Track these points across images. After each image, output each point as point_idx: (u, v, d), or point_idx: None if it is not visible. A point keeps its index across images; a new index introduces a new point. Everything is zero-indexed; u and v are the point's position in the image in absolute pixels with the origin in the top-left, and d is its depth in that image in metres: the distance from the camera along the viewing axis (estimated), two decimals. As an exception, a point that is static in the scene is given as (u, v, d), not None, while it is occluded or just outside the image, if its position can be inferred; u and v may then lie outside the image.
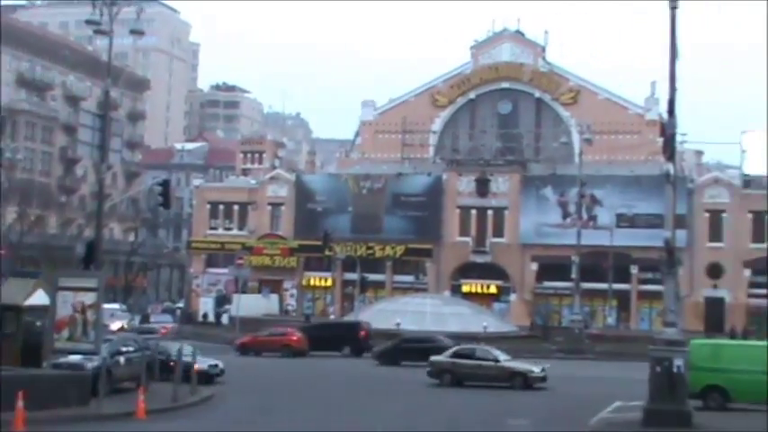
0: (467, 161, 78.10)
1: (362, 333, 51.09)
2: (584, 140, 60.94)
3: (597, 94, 77.76)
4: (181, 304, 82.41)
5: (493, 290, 75.26)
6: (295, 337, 49.24)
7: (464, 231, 75.63)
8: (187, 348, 31.65)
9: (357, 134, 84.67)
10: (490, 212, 75.48)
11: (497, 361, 34.38)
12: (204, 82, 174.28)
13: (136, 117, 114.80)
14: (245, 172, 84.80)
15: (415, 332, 51.41)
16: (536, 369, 34.25)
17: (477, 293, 74.42)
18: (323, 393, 30.99)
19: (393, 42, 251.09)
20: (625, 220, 69.96)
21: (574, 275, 58.56)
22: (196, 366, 29.44)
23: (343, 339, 50.34)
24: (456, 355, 35.25)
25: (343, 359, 47.70)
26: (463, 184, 76.12)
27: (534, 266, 73.94)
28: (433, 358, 35.65)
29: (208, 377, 32.05)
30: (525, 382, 33.42)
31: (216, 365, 33.50)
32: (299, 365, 43.15)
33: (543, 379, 33.72)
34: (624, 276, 69.34)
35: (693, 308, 68.12)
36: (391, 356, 44.52)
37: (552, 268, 70.87)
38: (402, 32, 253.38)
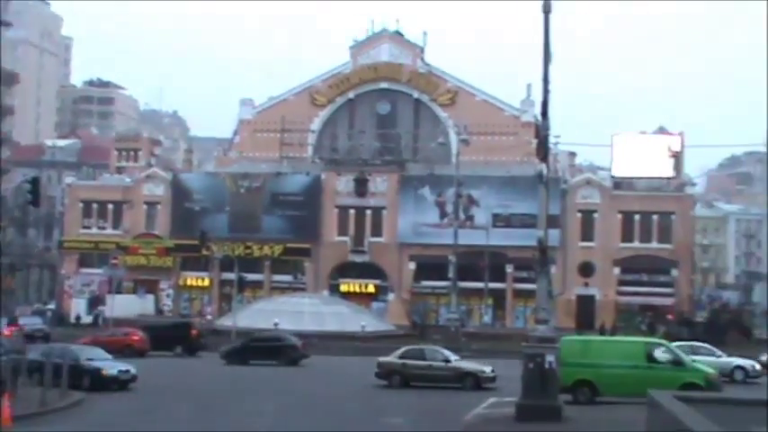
0: (345, 161, 78.23)
1: (194, 332, 50.80)
2: (461, 141, 61.86)
3: (475, 95, 78.92)
4: (52, 306, 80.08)
5: (371, 289, 75.57)
6: (137, 337, 48.32)
7: (342, 231, 75.75)
8: (97, 352, 30.70)
9: (235, 133, 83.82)
10: (368, 212, 75.80)
11: (448, 361, 33.72)
12: (78, 77, 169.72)
13: (3, 112, 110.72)
14: (119, 170, 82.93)
15: (264, 331, 51.04)
16: (487, 369, 33.72)
17: (355, 293, 74.61)
18: (203, 395, 30.42)
19: (273, 41, 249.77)
20: (501, 220, 71.24)
21: (451, 275, 59.32)
22: (105, 372, 28.55)
23: (175, 339, 49.81)
24: (405, 355, 34.44)
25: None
26: (342, 184, 76.23)
27: (412, 266, 74.57)
28: (382, 359, 34.74)
29: (121, 383, 30.59)
30: (476, 382, 32.90)
31: (127, 371, 31.42)
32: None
33: (493, 379, 33.18)
34: (500, 275, 70.57)
35: (566, 305, 69.84)
36: (239, 355, 44.08)
37: (430, 267, 71.62)
38: (282, 31, 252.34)
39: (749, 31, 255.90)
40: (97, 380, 29.96)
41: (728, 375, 36.22)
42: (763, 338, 59.14)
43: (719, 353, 38.63)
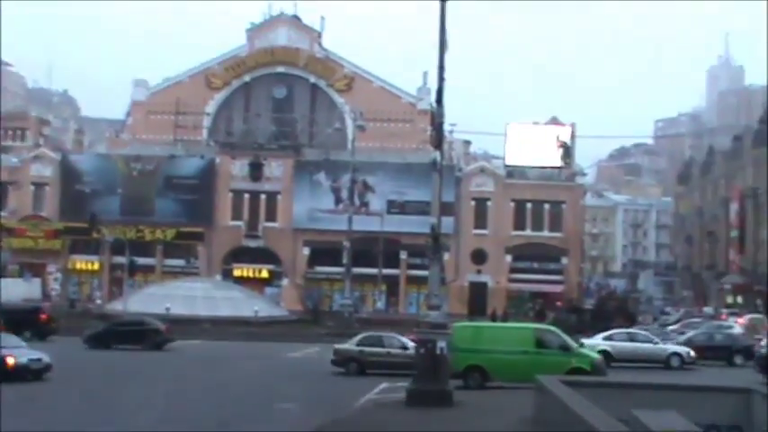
0: (240, 145, 77.54)
1: (43, 317, 49.70)
2: (357, 127, 61.85)
3: (371, 81, 79.07)
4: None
5: (265, 274, 75.22)
6: None
7: (237, 215, 75.13)
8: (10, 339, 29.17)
9: (128, 114, 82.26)
10: (263, 197, 75.34)
11: (406, 348, 32.20)
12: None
13: None
14: (5, 150, 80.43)
15: (129, 315, 50.27)
16: None
17: (249, 278, 74.14)
18: (95, 384, 29.70)
19: (169, 22, 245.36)
20: (396, 207, 71.66)
21: (345, 260, 59.39)
22: (10, 360, 27.24)
23: (24, 323, 48.46)
24: (363, 342, 33.61)
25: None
26: (236, 168, 75.57)
27: (306, 251, 74.45)
28: (338, 346, 33.95)
29: (35, 373, 28.40)
30: None
31: (39, 359, 29.01)
32: None
33: None
34: (394, 262, 71.00)
35: (458, 292, 70.75)
36: (102, 340, 43.25)
37: (324, 253, 71.55)
38: (179, 12, 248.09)
39: (637, 30, 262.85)
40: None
41: (665, 362, 37.07)
42: (647, 325, 60.92)
43: (657, 340, 39.56)
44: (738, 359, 39.25)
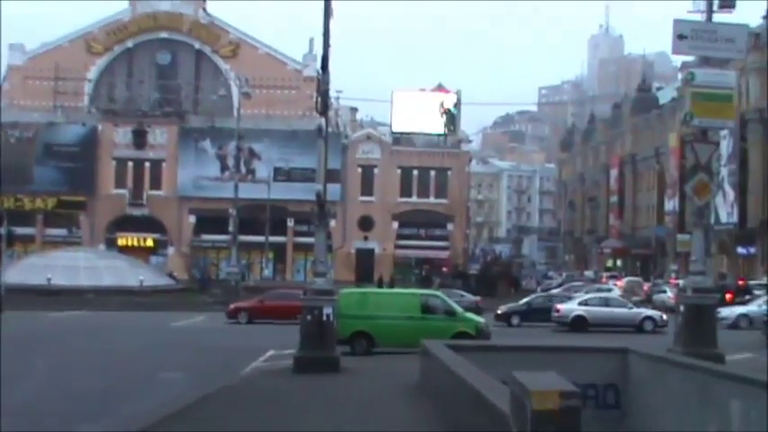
0: (123, 111, 76.01)
1: None
2: (243, 94, 61.25)
3: (257, 48, 78.30)
4: None
5: (150, 243, 74.17)
6: None
7: (120, 183, 73.77)
8: None
9: (4, 79, 79.47)
10: (147, 164, 74.11)
11: None
12: None
13: None
14: None
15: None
16: None
17: (133, 247, 73.05)
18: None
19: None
20: (283, 174, 71.42)
21: (231, 228, 58.96)
22: None
23: None
24: None
25: None
26: (119, 135, 74.15)
27: (192, 219, 73.68)
28: None
29: None
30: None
31: None
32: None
33: None
34: (281, 229, 70.85)
35: (345, 259, 71.11)
36: None
37: (210, 221, 70.90)
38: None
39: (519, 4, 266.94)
40: None
41: (638, 326, 37.57)
42: (530, 289, 62.37)
43: (630, 305, 40.23)
44: None
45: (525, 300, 43.08)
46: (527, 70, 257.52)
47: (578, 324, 37.45)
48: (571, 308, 38.72)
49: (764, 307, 39.32)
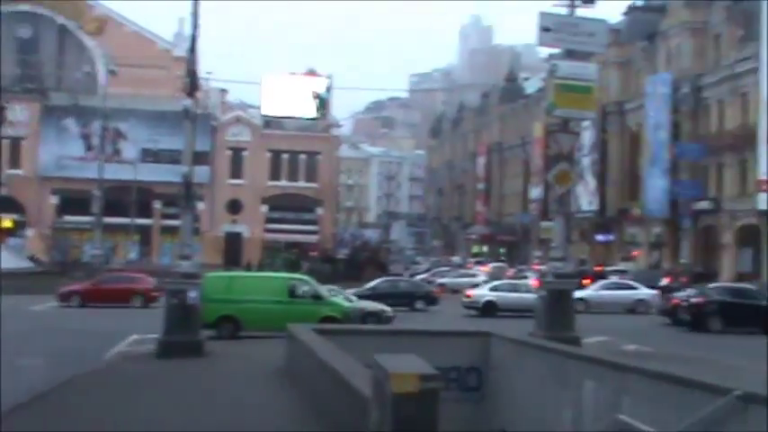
0: (-19, 87, 72.99)
1: None
2: (109, 72, 59.86)
3: (125, 25, 76.41)
4: None
5: (8, 224, 71.49)
6: None
7: (-23, 162, 70.88)
8: None
9: None
10: (6, 142, 71.34)
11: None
12: None
13: None
14: None
15: None
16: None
17: (-10, 228, 70.36)
18: None
19: None
20: (150, 155, 70.06)
21: (95, 210, 57.57)
22: None
23: None
24: None
25: None
26: (-23, 112, 71.15)
27: (54, 200, 71.60)
28: None
29: None
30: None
31: None
32: None
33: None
34: (147, 211, 69.61)
35: (214, 242, 70.33)
36: None
37: (73, 202, 68.99)
38: None
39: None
40: None
41: (632, 309, 40.20)
42: (397, 273, 62.94)
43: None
44: (420, 304, 41.15)
45: (370, 284, 43.30)
46: (399, 57, 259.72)
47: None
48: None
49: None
